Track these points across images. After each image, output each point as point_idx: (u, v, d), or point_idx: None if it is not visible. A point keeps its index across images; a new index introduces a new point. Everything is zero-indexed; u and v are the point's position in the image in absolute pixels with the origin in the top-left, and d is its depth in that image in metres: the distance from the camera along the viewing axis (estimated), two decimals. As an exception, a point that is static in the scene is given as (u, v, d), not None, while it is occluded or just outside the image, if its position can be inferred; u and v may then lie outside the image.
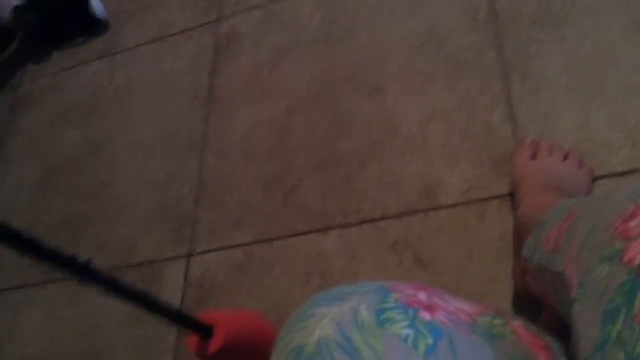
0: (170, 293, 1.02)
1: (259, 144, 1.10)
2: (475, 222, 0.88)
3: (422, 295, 0.38)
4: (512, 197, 0.86)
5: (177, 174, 1.15)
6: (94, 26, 1.46)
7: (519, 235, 0.71)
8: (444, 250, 0.88)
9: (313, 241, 0.96)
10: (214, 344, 0.58)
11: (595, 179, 0.82)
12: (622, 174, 0.82)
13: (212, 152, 1.14)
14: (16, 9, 1.46)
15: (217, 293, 0.99)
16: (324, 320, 0.36)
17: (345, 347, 0.34)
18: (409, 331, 0.34)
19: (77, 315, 1.08)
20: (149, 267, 1.07)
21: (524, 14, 1.00)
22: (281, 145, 1.08)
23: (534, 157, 0.83)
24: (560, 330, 0.47)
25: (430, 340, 0.34)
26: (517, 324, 0.40)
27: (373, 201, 0.95)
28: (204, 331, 0.59)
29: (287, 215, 1.00)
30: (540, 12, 0.99)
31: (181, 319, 0.56)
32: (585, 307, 0.36)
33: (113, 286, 0.53)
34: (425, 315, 0.36)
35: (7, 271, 1.20)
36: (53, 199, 1.26)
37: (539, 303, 0.71)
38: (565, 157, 0.82)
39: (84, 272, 0.52)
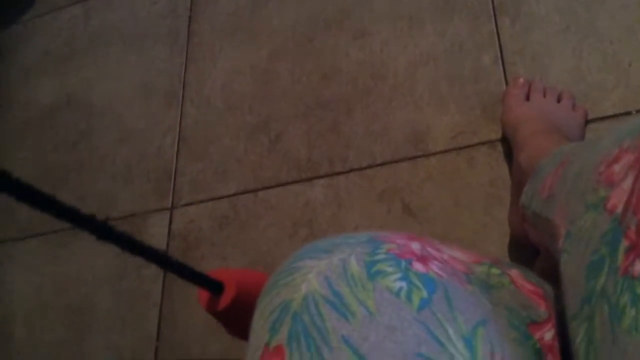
0: (155, 245, 0.99)
1: (241, 91, 1.07)
2: (464, 169, 0.86)
3: (414, 245, 0.36)
4: (502, 141, 0.84)
5: (157, 125, 1.11)
6: None
7: (519, 181, 0.69)
8: (433, 197, 0.86)
9: (299, 191, 0.94)
10: (225, 300, 0.57)
11: (588, 122, 0.80)
12: (615, 116, 0.80)
13: (193, 101, 1.10)
14: None
15: (202, 245, 0.97)
16: (311, 274, 0.34)
17: (334, 303, 0.32)
18: (402, 284, 0.33)
19: (59, 270, 1.06)
20: (131, 220, 1.04)
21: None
22: (264, 92, 1.04)
23: (526, 98, 0.80)
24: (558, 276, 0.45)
25: (424, 293, 0.32)
26: (515, 272, 0.38)
27: (360, 149, 0.93)
28: (215, 287, 0.58)
29: (271, 164, 0.98)
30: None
31: (192, 276, 0.55)
32: (571, 259, 0.34)
33: (127, 240, 0.51)
34: (419, 267, 0.34)
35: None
36: (29, 152, 1.22)
37: (535, 250, 0.70)
38: (559, 99, 0.80)
39: (103, 229, 0.50)
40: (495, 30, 0.92)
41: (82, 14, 1.33)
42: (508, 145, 0.83)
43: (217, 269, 0.62)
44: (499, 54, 0.90)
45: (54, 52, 1.33)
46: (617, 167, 0.32)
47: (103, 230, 0.49)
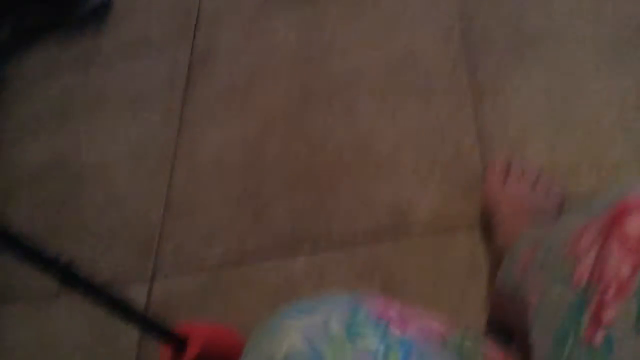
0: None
1: (230, 162, 1.09)
2: (444, 249, 0.88)
3: (392, 310, 0.37)
4: (481, 224, 0.86)
5: (146, 190, 1.12)
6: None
7: (498, 261, 0.72)
8: (412, 276, 0.87)
9: (282, 264, 0.95)
10: (188, 357, 0.56)
11: (563, 203, 0.83)
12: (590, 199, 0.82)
13: (183, 169, 1.12)
14: None
15: (182, 315, 0.96)
16: (293, 332, 0.35)
17: None
18: (380, 346, 0.34)
19: (34, 336, 1.04)
20: (110, 287, 1.04)
21: (497, 41, 1.02)
22: (252, 164, 1.07)
23: (504, 180, 0.83)
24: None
25: (400, 356, 0.33)
26: (487, 342, 0.39)
27: (343, 225, 0.95)
28: (178, 343, 0.57)
29: (256, 236, 0.99)
30: (514, 40, 1.01)
31: (155, 330, 0.55)
32: (540, 329, 0.36)
33: (92, 290, 0.51)
34: (396, 330, 0.35)
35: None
36: (12, 211, 1.22)
37: (511, 331, 0.71)
38: (535, 183, 0.83)
39: (68, 274, 0.50)
40: (474, 114, 0.96)
41: (81, 77, 1.37)
42: (486, 228, 0.85)
43: (184, 322, 0.60)
44: (478, 136, 0.94)
45: (50, 112, 1.35)
46: (582, 242, 0.34)
47: (66, 274, 0.49)
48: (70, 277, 0.50)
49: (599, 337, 0.29)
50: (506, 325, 0.71)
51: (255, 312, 0.92)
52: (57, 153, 1.27)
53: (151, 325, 0.54)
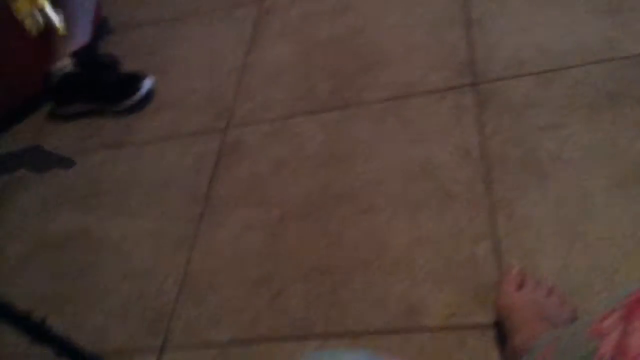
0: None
1: (248, 247, 1.12)
2: (455, 349, 0.88)
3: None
4: (493, 327, 0.88)
5: (163, 267, 1.15)
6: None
7: None
8: (422, 373, 0.87)
9: (292, 349, 0.95)
10: None
11: (575, 316, 0.84)
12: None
13: (201, 250, 1.15)
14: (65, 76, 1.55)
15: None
16: None
17: None
18: None
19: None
20: (118, 357, 1.04)
21: (513, 158, 1.07)
22: (270, 250, 1.10)
23: (519, 287, 0.86)
24: None
25: None
26: None
27: (356, 316, 0.96)
28: None
29: (268, 320, 1.00)
30: (529, 159, 1.06)
31: None
32: None
33: (66, 347, 0.51)
34: None
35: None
36: (33, 277, 1.24)
37: None
38: (549, 293, 0.85)
39: (37, 331, 0.50)
40: (492, 223, 1.00)
41: (112, 158, 1.44)
42: (499, 331, 0.86)
43: None
44: (493, 246, 0.97)
45: (78, 188, 1.41)
46: (606, 323, 0.36)
47: (36, 331, 0.49)
48: (41, 334, 0.50)
49: None
50: None
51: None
52: (82, 225, 1.31)
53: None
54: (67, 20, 1.54)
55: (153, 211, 1.27)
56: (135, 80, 1.54)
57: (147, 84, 1.54)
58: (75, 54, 1.56)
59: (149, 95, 1.55)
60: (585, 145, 1.04)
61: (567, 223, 0.96)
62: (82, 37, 1.58)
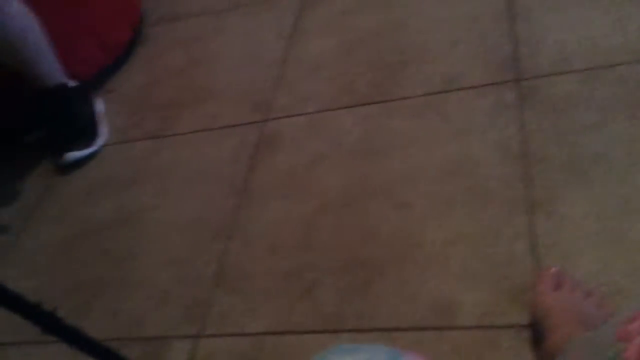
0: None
1: (285, 238, 1.13)
2: (488, 348, 0.88)
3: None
4: (528, 327, 0.87)
5: (201, 256, 1.17)
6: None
7: None
8: (454, 371, 0.87)
9: (324, 341, 0.96)
10: None
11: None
12: None
13: (238, 240, 1.17)
14: None
15: (219, 378, 0.97)
16: None
17: None
18: None
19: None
20: (155, 342, 1.07)
21: (553, 158, 1.05)
22: (306, 242, 1.11)
23: (556, 288, 0.85)
24: None
25: None
26: None
27: (388, 310, 0.96)
28: None
29: (301, 311, 1.01)
30: (571, 157, 1.04)
31: None
32: None
33: (76, 338, 0.52)
34: None
35: (6, 326, 1.20)
36: (75, 262, 1.28)
37: None
38: (587, 295, 0.84)
39: (48, 321, 0.51)
40: (530, 222, 0.98)
41: (154, 148, 1.47)
42: (534, 332, 0.85)
43: None
44: (531, 245, 0.96)
45: (120, 177, 1.44)
46: (632, 326, 0.36)
47: (48, 323, 0.50)
48: (53, 325, 0.51)
49: None
50: None
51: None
52: (123, 213, 1.35)
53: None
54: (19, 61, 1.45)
55: (192, 201, 1.30)
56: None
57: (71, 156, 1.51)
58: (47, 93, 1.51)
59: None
60: (630, 144, 1.02)
61: (608, 223, 0.94)
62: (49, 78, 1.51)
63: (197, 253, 1.18)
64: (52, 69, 1.51)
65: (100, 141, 1.55)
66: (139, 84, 1.69)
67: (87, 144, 1.52)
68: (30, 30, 1.44)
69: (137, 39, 1.82)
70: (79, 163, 1.51)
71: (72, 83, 1.56)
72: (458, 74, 1.29)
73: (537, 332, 0.84)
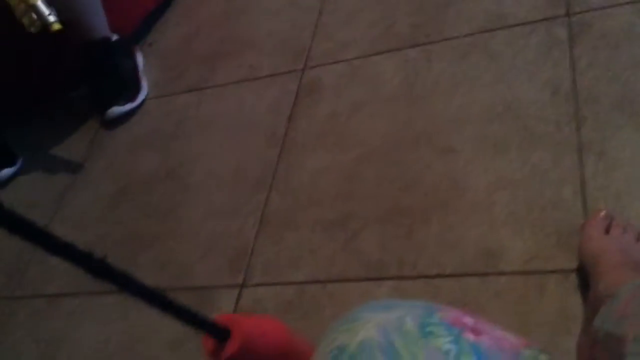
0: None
1: (326, 188, 1.13)
2: (533, 294, 0.86)
3: (467, 319, 0.38)
4: (576, 272, 0.84)
5: (243, 207, 1.18)
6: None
7: (595, 308, 0.70)
8: (499, 317, 0.85)
9: (367, 289, 0.96)
10: (230, 348, 0.56)
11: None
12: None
13: (279, 191, 1.17)
14: None
15: (264, 326, 0.99)
16: (369, 324, 0.37)
17: (387, 350, 0.34)
18: (452, 347, 0.35)
19: (127, 329, 1.11)
20: (203, 291, 1.09)
21: (605, 97, 1.00)
22: (347, 192, 1.10)
23: (605, 232, 0.81)
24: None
25: (473, 359, 0.34)
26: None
27: (431, 258, 0.95)
28: (220, 334, 0.57)
29: (344, 260, 1.01)
30: (623, 96, 0.99)
31: (196, 320, 0.55)
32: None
33: (128, 283, 0.53)
34: (470, 336, 0.36)
35: (63, 277, 1.25)
36: (123, 215, 1.32)
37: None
38: (638, 238, 0.80)
39: (100, 268, 0.52)
40: (579, 164, 0.94)
41: (195, 101, 1.47)
42: (581, 277, 0.83)
43: (227, 315, 0.59)
44: (580, 188, 0.92)
45: (163, 130, 1.46)
46: None
47: (98, 268, 0.50)
48: (104, 270, 0.52)
49: None
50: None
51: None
52: (167, 166, 1.37)
53: (191, 316, 0.54)
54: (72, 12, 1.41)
55: (234, 153, 1.30)
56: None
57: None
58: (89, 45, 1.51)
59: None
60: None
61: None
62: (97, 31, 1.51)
63: (239, 204, 1.19)
64: (100, 21, 1.52)
65: (142, 95, 1.56)
66: (178, 36, 1.69)
67: (130, 99, 1.54)
68: None
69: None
70: (123, 118, 1.53)
71: (115, 36, 1.57)
72: (504, 10, 1.22)
73: (585, 277, 0.81)
